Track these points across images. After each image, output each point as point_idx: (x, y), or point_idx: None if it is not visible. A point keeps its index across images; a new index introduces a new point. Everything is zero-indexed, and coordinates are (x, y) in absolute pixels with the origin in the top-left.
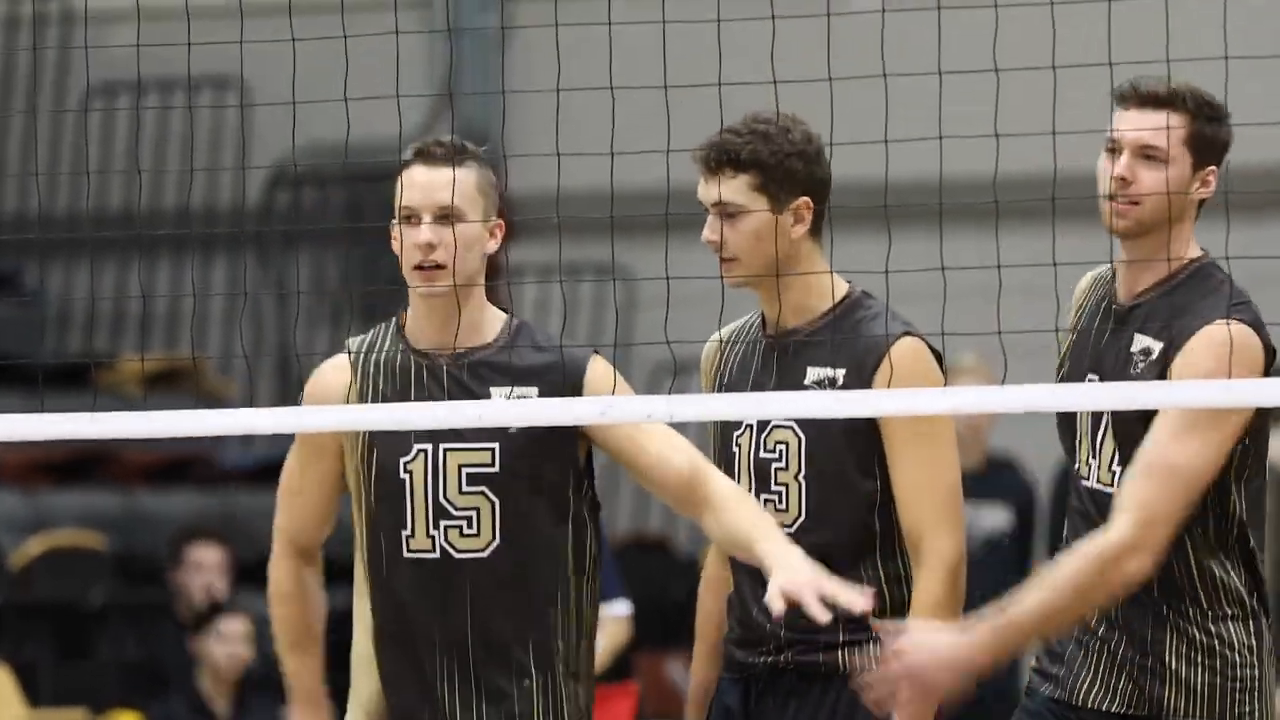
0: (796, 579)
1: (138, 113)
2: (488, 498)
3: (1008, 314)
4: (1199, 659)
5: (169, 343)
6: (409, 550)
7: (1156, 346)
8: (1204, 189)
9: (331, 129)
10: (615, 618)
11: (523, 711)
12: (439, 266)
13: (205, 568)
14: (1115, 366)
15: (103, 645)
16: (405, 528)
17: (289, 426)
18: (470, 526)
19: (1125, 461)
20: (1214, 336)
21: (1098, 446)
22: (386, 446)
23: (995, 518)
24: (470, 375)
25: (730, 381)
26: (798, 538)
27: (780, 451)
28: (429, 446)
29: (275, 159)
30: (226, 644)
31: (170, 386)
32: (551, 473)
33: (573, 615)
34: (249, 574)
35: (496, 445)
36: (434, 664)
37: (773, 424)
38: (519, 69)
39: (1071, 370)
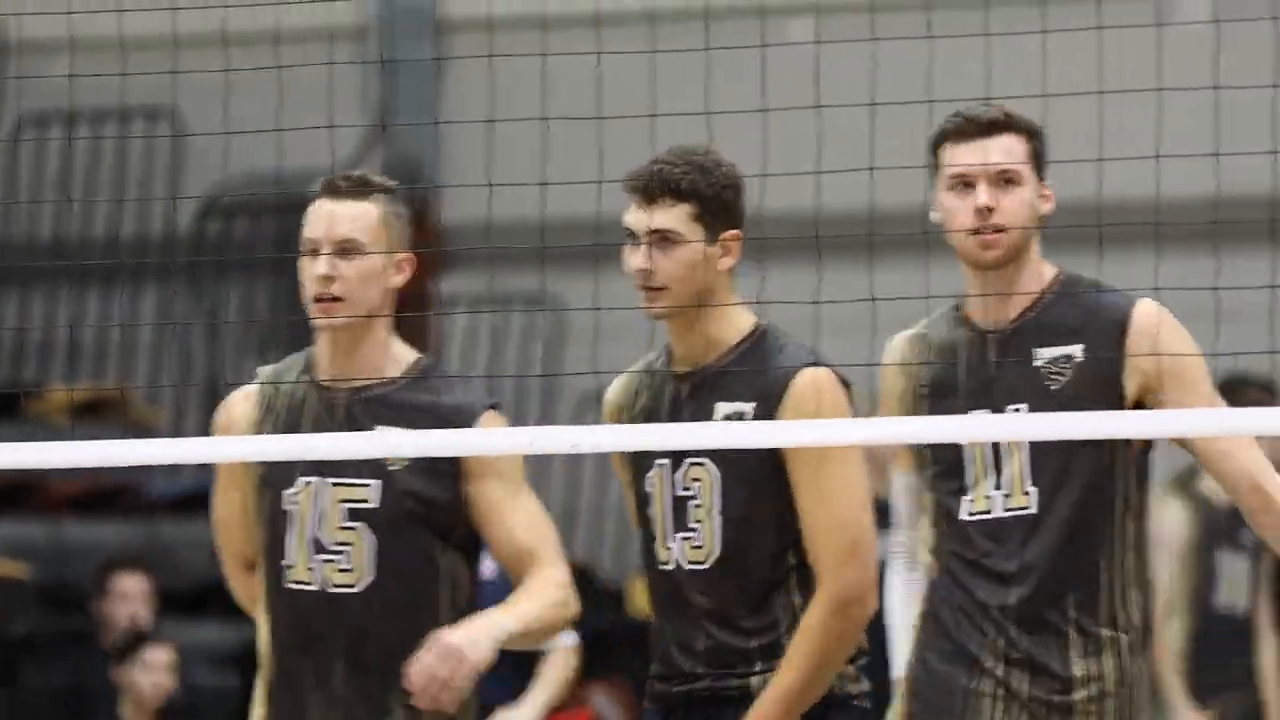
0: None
1: (70, 142)
2: (364, 534)
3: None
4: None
5: (97, 372)
6: (288, 581)
7: (1077, 349)
8: (1047, 204)
9: (265, 159)
10: (563, 648)
11: None
12: (336, 299)
13: (130, 597)
14: (1023, 387)
15: (28, 674)
16: (285, 558)
17: (215, 456)
18: (346, 561)
19: (1039, 478)
20: (1154, 310)
21: (1001, 472)
22: (274, 478)
23: None
24: (363, 411)
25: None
26: (713, 573)
27: (696, 489)
28: (314, 480)
29: (207, 188)
30: (150, 673)
31: (97, 416)
32: (432, 513)
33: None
34: (174, 603)
35: (379, 482)
36: (310, 695)
37: (688, 461)
38: (453, 101)
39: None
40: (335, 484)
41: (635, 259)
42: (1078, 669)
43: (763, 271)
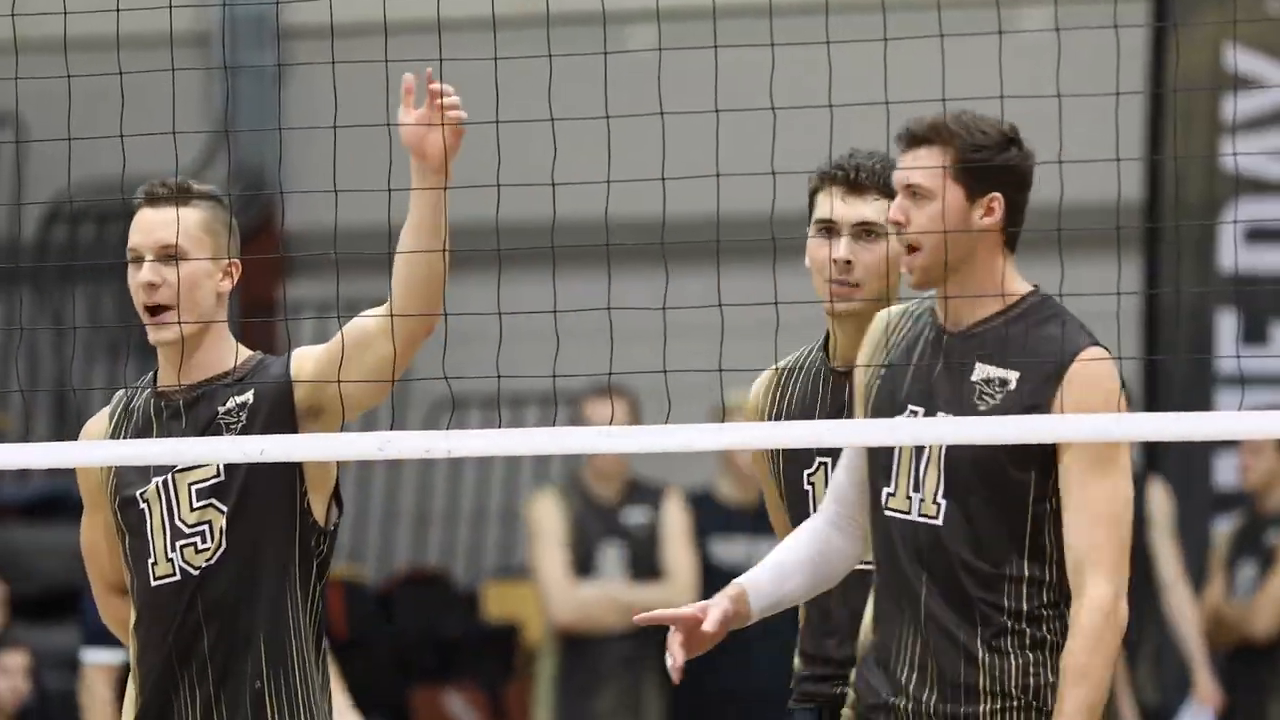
0: None
1: None
2: (217, 508)
3: (782, 350)
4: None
5: None
6: (155, 578)
7: (1012, 376)
8: (989, 217)
9: (109, 165)
10: None
11: (256, 715)
12: (163, 307)
13: None
14: (952, 398)
15: None
16: (150, 556)
17: (64, 461)
18: (204, 541)
19: (950, 494)
20: (1095, 368)
21: (920, 480)
22: (127, 483)
23: None
24: (204, 404)
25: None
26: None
27: None
28: (165, 476)
29: (52, 195)
30: (6, 677)
31: None
32: (275, 479)
33: (303, 625)
34: (26, 609)
35: (218, 467)
36: (177, 679)
37: None
38: (297, 106)
39: (881, 403)
40: (180, 472)
41: (837, 250)
42: (984, 681)
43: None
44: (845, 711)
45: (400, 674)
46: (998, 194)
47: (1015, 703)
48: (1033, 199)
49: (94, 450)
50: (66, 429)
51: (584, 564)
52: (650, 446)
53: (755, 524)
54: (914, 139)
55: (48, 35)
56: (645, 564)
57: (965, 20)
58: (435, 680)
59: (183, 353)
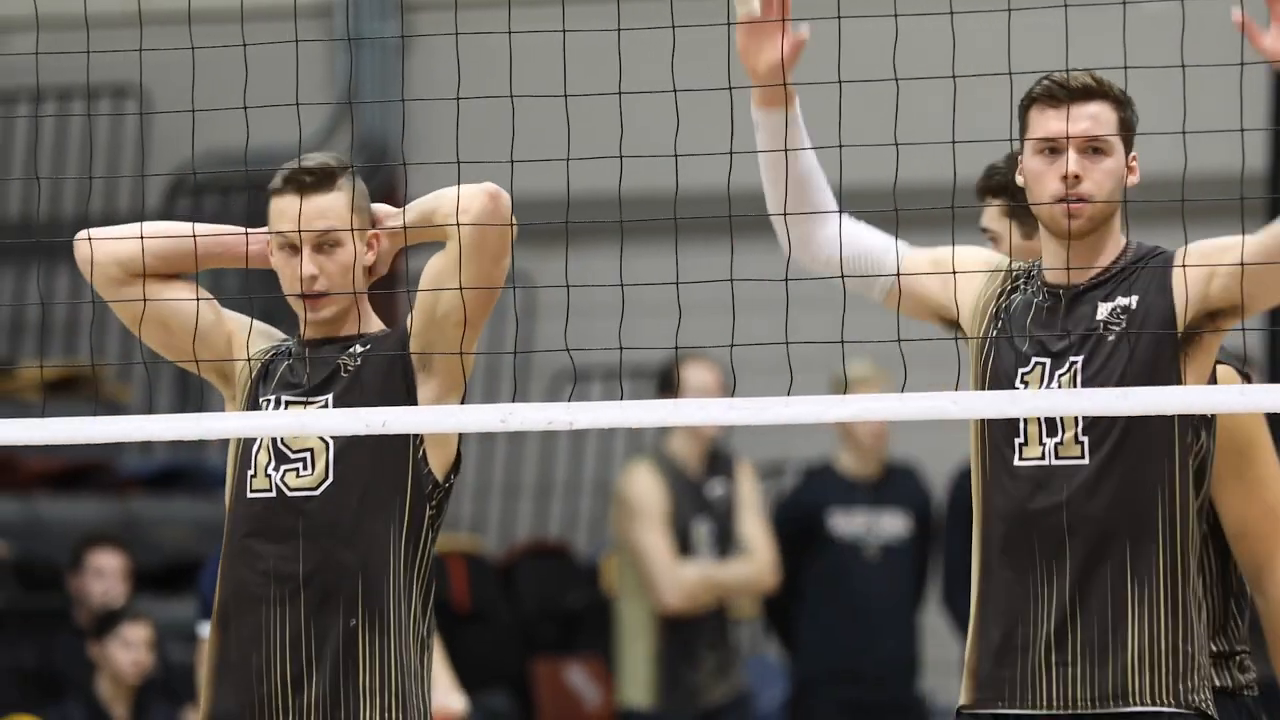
0: None
1: (36, 121)
2: (322, 438)
3: (904, 322)
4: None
5: (68, 350)
6: (251, 490)
7: (1133, 299)
8: (1132, 175)
9: (232, 137)
10: None
11: (346, 654)
12: (322, 294)
13: (105, 574)
14: (1080, 341)
15: (1, 651)
16: (250, 469)
17: (187, 433)
18: (306, 468)
19: (1091, 427)
20: (1199, 243)
21: (1057, 420)
22: (260, 391)
23: (895, 525)
24: (330, 349)
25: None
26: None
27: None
28: (282, 396)
29: (175, 166)
30: (130, 650)
31: (69, 393)
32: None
33: (407, 576)
34: (149, 581)
35: (329, 396)
36: (270, 595)
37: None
38: (420, 78)
39: (1003, 354)
40: (292, 401)
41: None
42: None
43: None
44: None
45: (522, 646)
46: (1135, 153)
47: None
48: (1158, 169)
49: (220, 421)
50: (188, 400)
51: (682, 542)
52: (773, 418)
53: (874, 497)
54: (1083, 92)
55: (171, 7)
56: (727, 538)
57: None
58: (557, 652)
59: (308, 322)
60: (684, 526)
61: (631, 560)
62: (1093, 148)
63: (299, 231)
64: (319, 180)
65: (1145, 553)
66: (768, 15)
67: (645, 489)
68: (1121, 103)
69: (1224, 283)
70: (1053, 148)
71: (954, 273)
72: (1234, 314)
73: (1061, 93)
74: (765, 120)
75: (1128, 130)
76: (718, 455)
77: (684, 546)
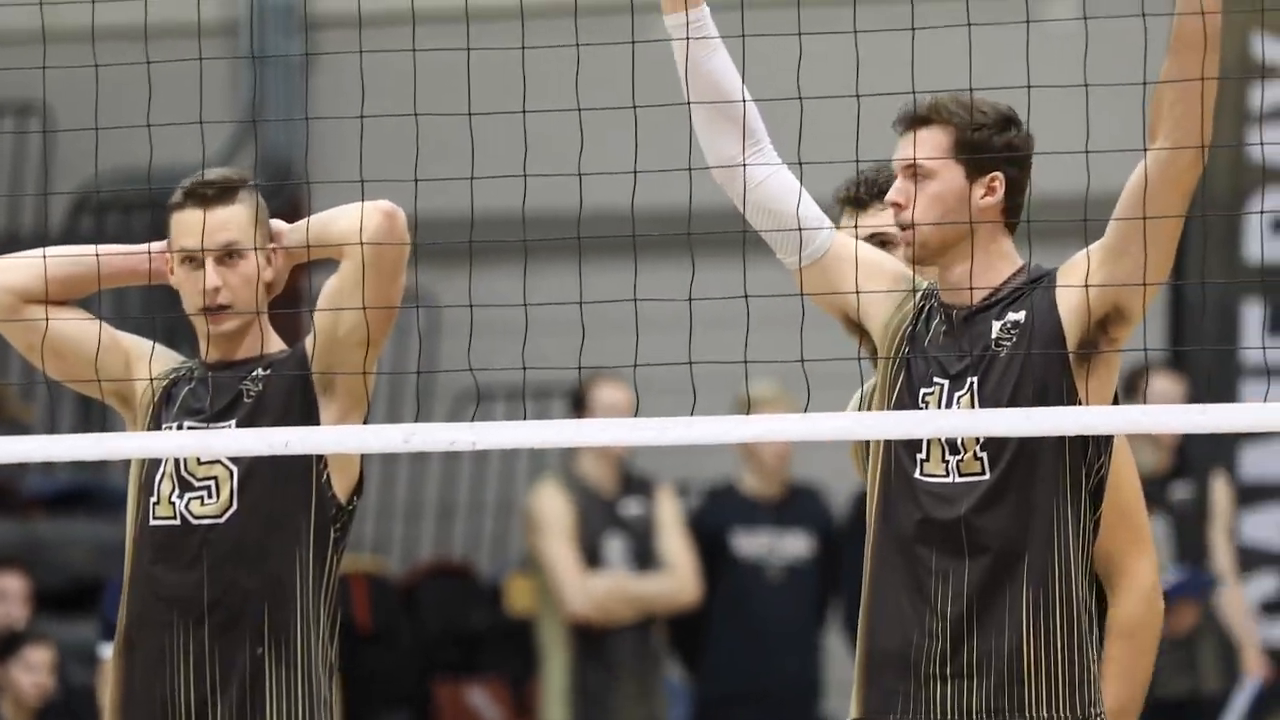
0: None
1: None
2: (225, 465)
3: (808, 343)
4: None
5: None
6: (154, 517)
7: (1021, 314)
8: (990, 197)
9: (136, 155)
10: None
11: (254, 682)
12: (224, 307)
13: (7, 596)
14: (976, 361)
15: None
16: (154, 495)
17: (89, 454)
18: (210, 496)
19: (989, 443)
20: (1073, 257)
21: (958, 438)
22: (163, 415)
23: (798, 545)
24: (232, 372)
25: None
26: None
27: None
28: (186, 422)
29: (79, 184)
30: (32, 673)
31: None
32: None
33: (313, 601)
34: (50, 602)
35: (232, 421)
36: (173, 623)
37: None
38: (324, 96)
39: (913, 379)
40: (194, 427)
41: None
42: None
43: None
44: None
45: (423, 667)
46: (999, 174)
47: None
48: (1059, 189)
49: (122, 442)
50: (93, 421)
51: (589, 556)
52: (677, 438)
53: (777, 517)
54: (914, 120)
55: (75, 24)
56: (645, 556)
57: (993, 9)
58: (459, 673)
59: (212, 342)
60: (593, 542)
61: (543, 577)
62: (915, 173)
63: (202, 245)
64: (220, 192)
65: (1041, 566)
66: None
67: (550, 506)
68: (961, 126)
69: (1101, 281)
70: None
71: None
72: (1124, 320)
73: (901, 120)
74: (675, 26)
75: (971, 151)
76: (633, 475)
77: (593, 560)
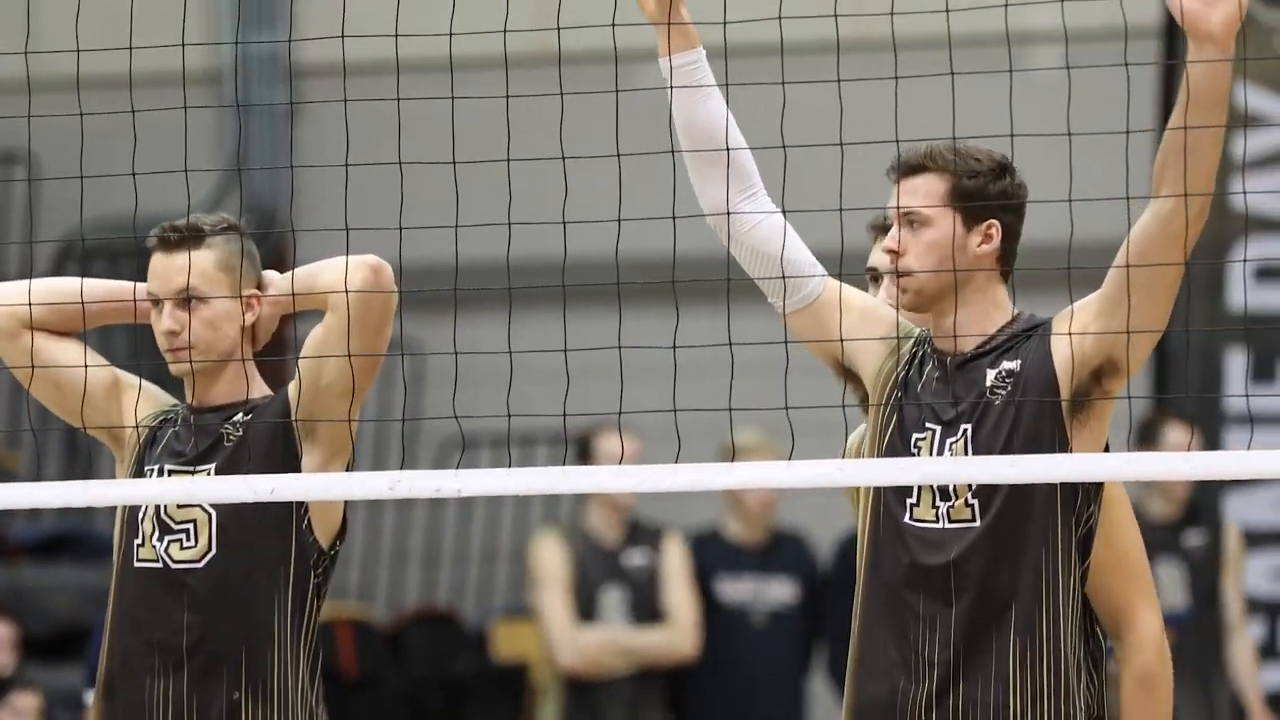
0: None
1: None
2: (203, 509)
3: (792, 390)
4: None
5: None
6: (138, 559)
7: (1016, 363)
8: (986, 244)
9: (121, 203)
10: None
11: None
12: (179, 349)
13: None
14: (970, 409)
15: None
16: (138, 537)
17: (74, 500)
18: (189, 539)
19: (980, 491)
20: (1066, 310)
21: (949, 485)
22: (147, 457)
23: (782, 591)
24: (215, 416)
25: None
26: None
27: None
28: (168, 466)
29: (64, 232)
30: (19, 719)
31: None
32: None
33: (292, 646)
34: (37, 649)
35: (212, 465)
36: (153, 665)
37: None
38: (309, 145)
39: (906, 424)
40: (175, 470)
41: (887, 240)
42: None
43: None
44: None
45: (410, 714)
46: (995, 221)
47: None
48: (1044, 237)
49: (108, 489)
50: (77, 468)
51: (586, 608)
52: (661, 485)
53: (762, 563)
54: (909, 168)
55: (60, 73)
56: (646, 606)
57: (977, 58)
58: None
59: (194, 386)
60: (590, 594)
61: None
62: (911, 220)
63: (158, 290)
64: (183, 237)
65: (1029, 615)
66: None
67: (548, 557)
68: (956, 174)
69: (1096, 333)
70: (885, 225)
71: (841, 339)
72: (1117, 372)
73: (895, 169)
74: (669, 68)
75: (966, 199)
76: (639, 525)
77: (589, 613)
